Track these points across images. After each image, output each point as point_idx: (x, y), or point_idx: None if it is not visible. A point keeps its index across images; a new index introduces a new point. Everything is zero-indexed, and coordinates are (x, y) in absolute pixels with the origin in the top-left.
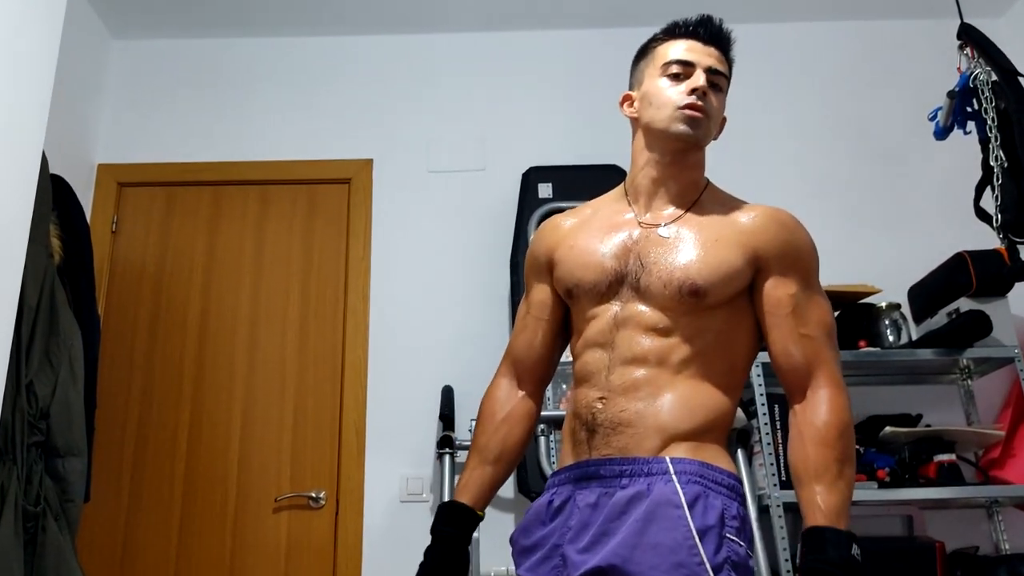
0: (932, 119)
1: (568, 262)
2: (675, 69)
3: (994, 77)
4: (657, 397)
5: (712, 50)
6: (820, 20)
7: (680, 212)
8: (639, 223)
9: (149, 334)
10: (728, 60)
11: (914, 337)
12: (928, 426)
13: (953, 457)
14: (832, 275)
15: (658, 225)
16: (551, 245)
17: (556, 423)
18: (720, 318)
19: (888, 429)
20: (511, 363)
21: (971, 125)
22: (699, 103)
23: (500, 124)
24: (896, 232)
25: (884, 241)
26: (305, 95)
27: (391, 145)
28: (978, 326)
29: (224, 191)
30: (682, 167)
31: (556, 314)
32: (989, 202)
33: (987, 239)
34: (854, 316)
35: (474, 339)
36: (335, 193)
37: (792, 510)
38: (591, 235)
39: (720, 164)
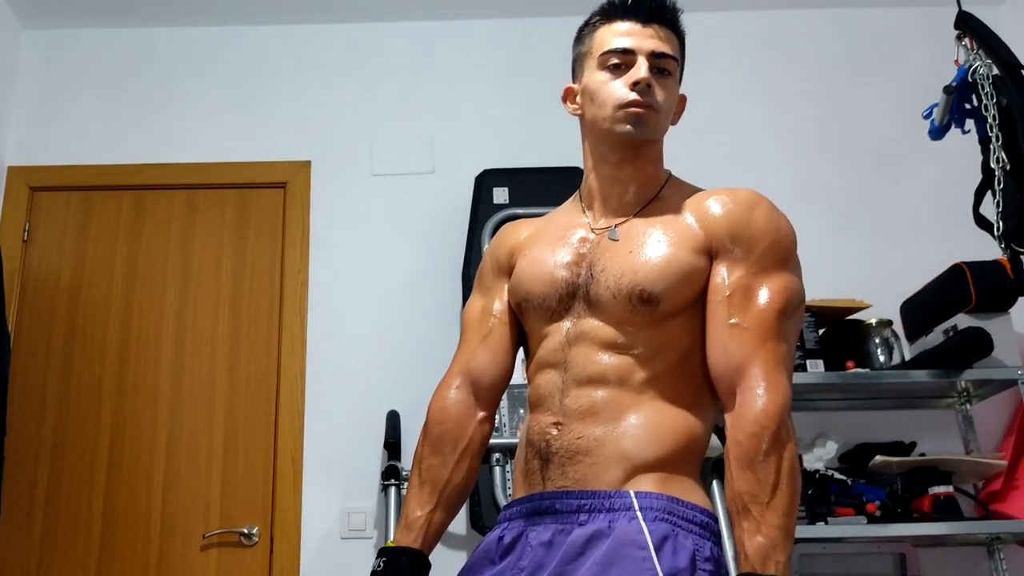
0: (927, 117)
1: (520, 272)
2: (614, 60)
3: (995, 71)
4: (618, 421)
5: (655, 29)
6: (802, 7)
7: (634, 210)
8: (592, 229)
9: (64, 354)
10: (678, 35)
11: (907, 357)
12: (923, 455)
13: (950, 489)
14: (817, 289)
15: (610, 228)
16: (513, 247)
17: (513, 451)
18: (684, 329)
19: (878, 458)
20: (467, 375)
21: (970, 123)
22: (642, 99)
23: (451, 122)
24: (887, 241)
25: (874, 251)
26: (237, 91)
27: (331, 146)
28: (978, 345)
29: (147, 196)
30: (635, 166)
31: (516, 323)
32: (990, 208)
33: (988, 249)
34: (841, 334)
35: (422, 359)
36: (269, 198)
37: None
38: (544, 245)
39: (691, 166)
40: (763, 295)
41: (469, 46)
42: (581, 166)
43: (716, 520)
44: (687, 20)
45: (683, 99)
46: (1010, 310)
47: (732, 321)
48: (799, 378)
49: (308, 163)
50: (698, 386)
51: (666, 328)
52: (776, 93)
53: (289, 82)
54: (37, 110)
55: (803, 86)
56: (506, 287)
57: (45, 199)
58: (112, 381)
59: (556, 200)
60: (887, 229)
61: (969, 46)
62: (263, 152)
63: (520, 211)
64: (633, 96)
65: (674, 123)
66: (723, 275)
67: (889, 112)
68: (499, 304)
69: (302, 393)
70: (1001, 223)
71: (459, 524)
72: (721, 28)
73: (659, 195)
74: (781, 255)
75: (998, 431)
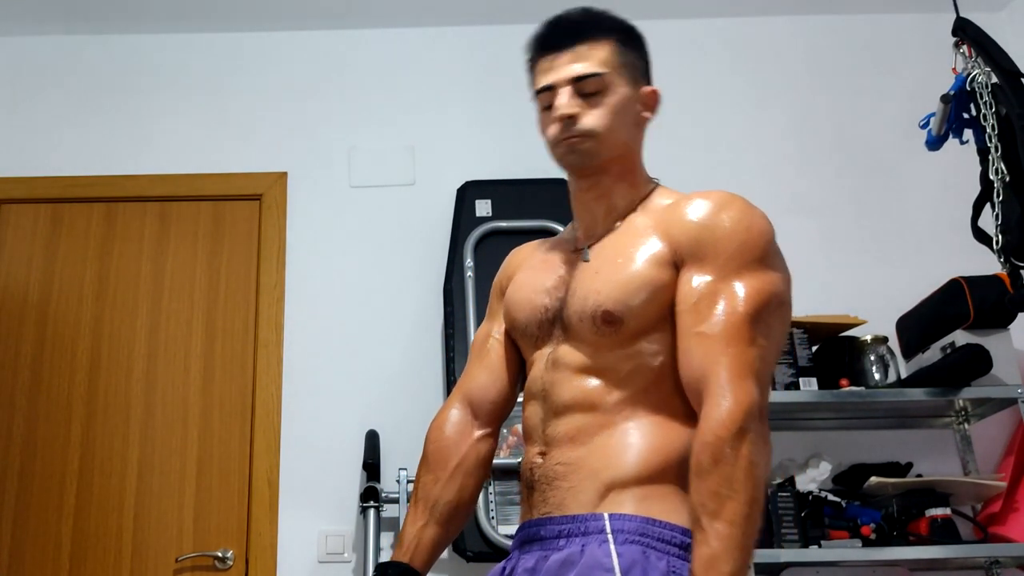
0: (924, 127)
1: (508, 299)
2: (543, 101)
3: (994, 79)
4: (594, 444)
5: (570, 53)
6: (795, 14)
7: (607, 230)
8: (574, 251)
9: (32, 372)
10: (604, 44)
11: (903, 375)
12: (919, 476)
13: (948, 511)
14: (810, 304)
15: (585, 249)
16: (512, 272)
17: (500, 472)
18: (658, 346)
19: (874, 479)
20: (466, 396)
21: (968, 133)
22: (569, 133)
23: (432, 133)
24: (883, 255)
25: (869, 266)
26: (211, 100)
27: (308, 156)
28: (976, 362)
29: (118, 209)
30: (600, 187)
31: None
32: (989, 221)
33: (986, 263)
34: (835, 351)
35: (402, 378)
36: (244, 211)
37: (765, 571)
38: (532, 270)
39: (681, 177)
40: (730, 299)
41: (450, 54)
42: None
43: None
44: (677, 27)
45: (651, 93)
46: (1010, 326)
47: (697, 330)
48: (792, 396)
49: (284, 174)
50: (678, 402)
51: (638, 347)
52: (769, 102)
53: (265, 91)
54: (3, 119)
55: (797, 95)
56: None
57: (12, 212)
58: (82, 400)
59: (540, 213)
60: (883, 243)
61: (967, 54)
62: (238, 163)
63: (503, 224)
64: (560, 132)
65: (648, 118)
66: (690, 283)
67: (885, 122)
68: (499, 327)
69: (278, 412)
70: (1000, 236)
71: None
72: (712, 35)
73: (635, 211)
74: (753, 255)
75: (997, 451)
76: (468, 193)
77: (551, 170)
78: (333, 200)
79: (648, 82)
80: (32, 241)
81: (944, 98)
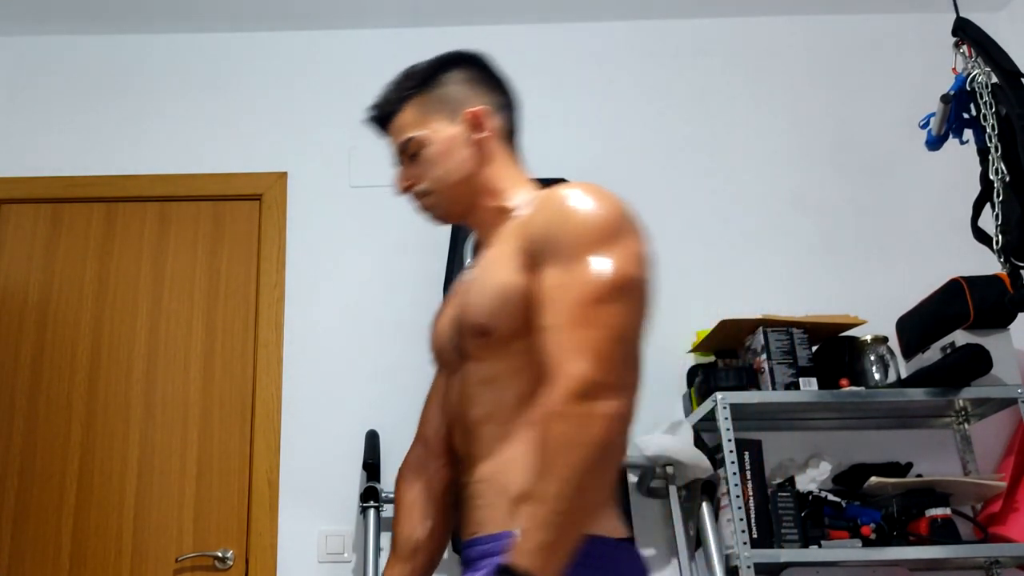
0: (924, 127)
1: (430, 331)
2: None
3: (994, 79)
4: (498, 459)
5: (392, 125)
6: (794, 14)
7: (487, 247)
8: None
9: (32, 372)
10: (403, 109)
11: (903, 375)
12: (919, 476)
13: (948, 511)
14: (810, 304)
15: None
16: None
17: None
18: (534, 347)
19: (873, 479)
20: (421, 436)
21: (968, 133)
22: (415, 200)
23: None
24: (883, 256)
25: (869, 266)
26: (211, 100)
27: (308, 156)
28: (976, 362)
29: (118, 209)
30: (471, 221)
31: None
32: (989, 221)
33: (986, 263)
34: (835, 351)
35: (403, 377)
36: (244, 211)
37: (765, 571)
38: (448, 299)
39: (681, 176)
40: (572, 287)
41: None
42: (567, 177)
43: (614, 544)
44: (676, 27)
45: (474, 115)
46: (1010, 326)
47: (544, 323)
48: (792, 396)
49: (284, 175)
50: None
51: (515, 354)
52: (768, 102)
53: (265, 91)
54: (3, 120)
55: (796, 95)
56: None
57: (12, 212)
58: (82, 400)
59: None
60: (882, 243)
61: (967, 54)
62: (238, 163)
63: None
64: (406, 196)
65: (483, 136)
66: (542, 281)
67: (885, 122)
68: None
69: (278, 412)
70: (1000, 236)
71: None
72: (711, 35)
73: (502, 226)
74: (593, 237)
75: (997, 451)
76: None
77: (551, 170)
78: (333, 200)
79: (469, 104)
80: (32, 241)
81: (944, 98)
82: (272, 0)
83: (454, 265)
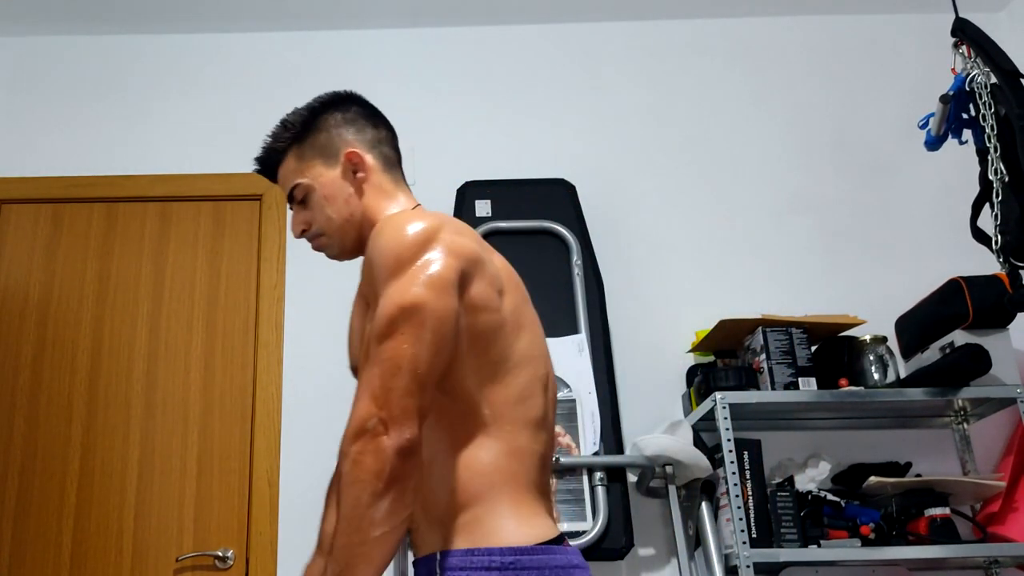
0: (923, 127)
1: None
2: None
3: (993, 79)
4: (420, 485)
5: (278, 177)
6: (794, 14)
7: None
8: None
9: (33, 372)
10: (284, 159)
11: (902, 375)
12: (918, 476)
13: (947, 511)
14: (809, 304)
15: None
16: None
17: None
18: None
19: (873, 479)
20: None
21: (967, 134)
22: (310, 242)
23: (431, 132)
24: (882, 255)
25: (868, 266)
26: (211, 100)
27: None
28: (975, 362)
29: (119, 209)
30: (357, 253)
31: None
32: (988, 221)
33: (985, 263)
34: (834, 351)
35: None
36: (245, 211)
37: (764, 571)
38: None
39: (681, 178)
40: (370, 328)
41: (450, 54)
42: (566, 178)
43: (532, 552)
44: (676, 27)
45: (351, 155)
46: (1009, 326)
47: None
48: (791, 396)
49: None
50: (468, 422)
51: None
52: (768, 102)
53: (265, 91)
54: (3, 120)
55: (795, 95)
56: None
57: (12, 212)
58: (82, 400)
59: (540, 213)
60: (882, 243)
61: (966, 54)
62: (238, 163)
63: (503, 224)
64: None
65: (364, 176)
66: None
67: (884, 122)
68: None
69: (279, 412)
70: (999, 236)
71: None
72: (711, 35)
73: None
74: (383, 275)
75: (996, 451)
76: (468, 193)
77: (551, 170)
78: None
79: (346, 146)
80: (32, 241)
81: (943, 98)
82: (272, 0)
83: None
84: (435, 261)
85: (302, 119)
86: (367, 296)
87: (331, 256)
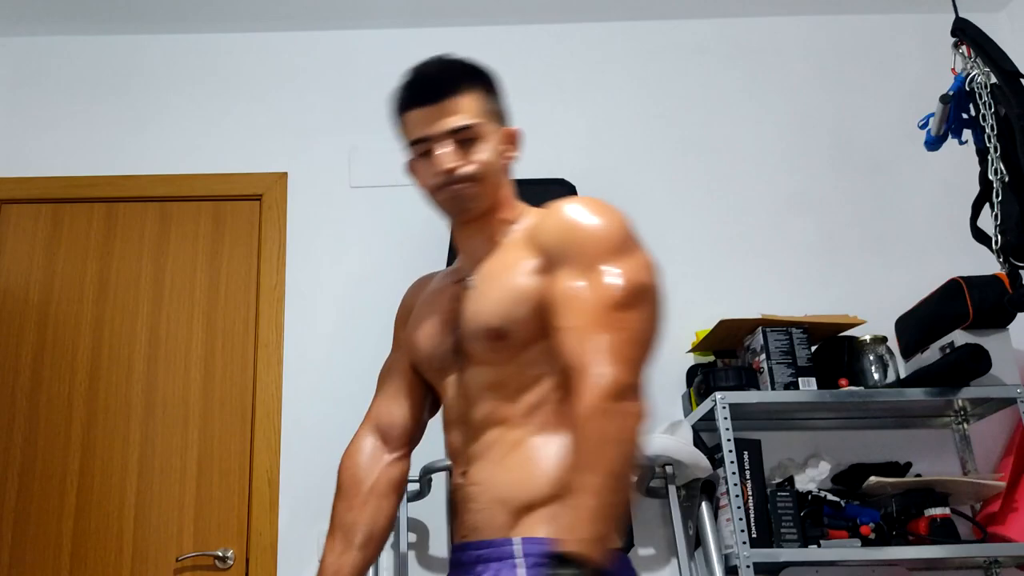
0: (923, 127)
1: (409, 335)
2: (419, 150)
3: (993, 79)
4: (502, 462)
5: (441, 107)
6: (793, 14)
7: (486, 257)
8: (458, 283)
9: (33, 372)
10: (469, 93)
11: (902, 375)
12: (918, 476)
13: (947, 511)
14: (809, 304)
15: (469, 280)
16: (412, 305)
17: None
18: (548, 354)
19: (873, 479)
20: (376, 427)
21: (967, 134)
22: (449, 181)
23: None
24: (882, 255)
25: (868, 266)
26: (211, 100)
27: (308, 157)
28: (975, 362)
29: (118, 209)
30: (478, 222)
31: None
32: (988, 221)
33: (985, 263)
34: (834, 351)
35: None
36: (245, 211)
37: (764, 571)
38: (425, 305)
39: (679, 177)
40: (591, 291)
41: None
42: (567, 178)
43: (618, 551)
44: (676, 27)
45: (513, 134)
46: (1009, 326)
47: (564, 325)
48: (791, 396)
49: (284, 175)
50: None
51: (530, 358)
52: (768, 102)
53: (265, 91)
54: (4, 120)
55: (795, 95)
56: None
57: (12, 212)
58: (82, 400)
59: None
60: (882, 243)
61: (966, 54)
62: (238, 163)
63: None
64: (439, 181)
65: (511, 158)
66: (557, 285)
67: (884, 122)
68: (402, 355)
69: (279, 412)
70: (999, 236)
71: (440, 547)
72: (711, 35)
73: (507, 236)
74: (608, 247)
75: (996, 451)
76: None
77: (551, 170)
78: (333, 200)
79: (508, 122)
80: (32, 241)
81: (943, 98)
82: (272, 0)
83: (453, 264)
84: (647, 252)
85: (487, 74)
86: (550, 260)
87: (459, 205)
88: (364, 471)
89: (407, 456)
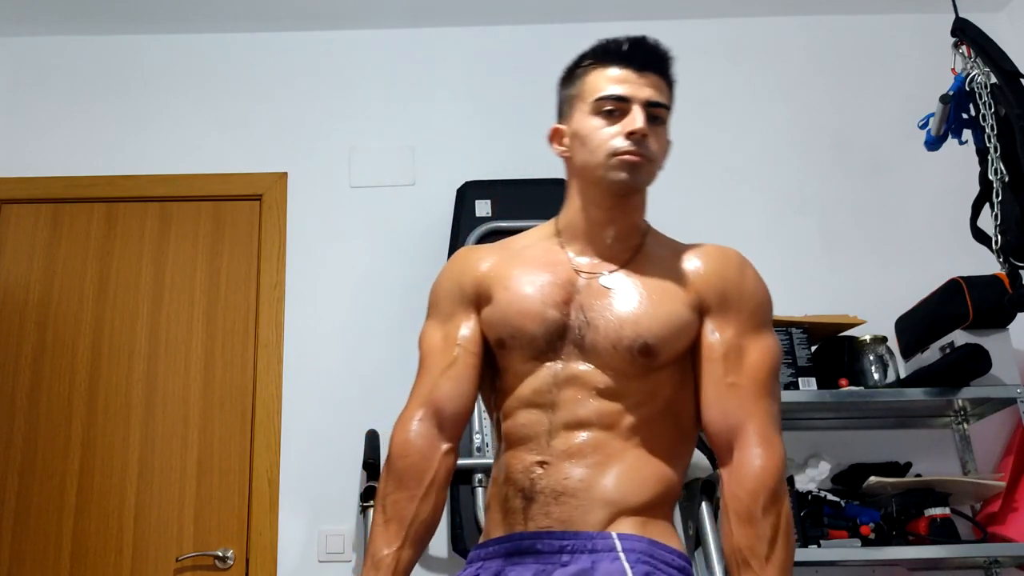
0: (923, 127)
1: (504, 306)
2: (608, 106)
3: (993, 79)
4: (605, 466)
5: (649, 78)
6: (793, 14)
7: (623, 259)
8: (576, 269)
9: (33, 372)
10: (669, 84)
11: (902, 375)
12: (918, 476)
13: (947, 511)
14: (809, 305)
15: (600, 274)
16: (481, 278)
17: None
18: (669, 380)
19: (873, 479)
20: (432, 406)
21: (967, 134)
22: (637, 149)
23: (432, 133)
24: (882, 255)
25: (868, 266)
26: (211, 100)
27: (308, 157)
28: (975, 362)
29: (119, 209)
30: (622, 211)
31: (482, 352)
32: (988, 221)
33: (985, 263)
34: (834, 351)
35: (402, 377)
36: (245, 211)
37: None
38: (525, 278)
39: (680, 178)
40: (754, 355)
41: (450, 55)
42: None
43: (690, 563)
44: (676, 27)
45: (669, 143)
46: (1009, 326)
47: (729, 380)
48: (791, 396)
49: (284, 175)
50: (678, 434)
51: (655, 378)
52: (767, 102)
53: (265, 91)
54: (4, 120)
55: (795, 95)
56: (474, 317)
57: (12, 212)
58: (82, 400)
59: (540, 213)
60: (882, 243)
61: (966, 54)
62: (238, 163)
63: (503, 224)
64: (628, 145)
65: (661, 168)
66: (716, 334)
67: (884, 122)
68: (465, 332)
69: (278, 412)
70: (999, 236)
71: (440, 547)
72: (711, 35)
73: (643, 245)
74: (765, 317)
75: (996, 451)
76: (468, 193)
77: (551, 170)
78: (333, 200)
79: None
80: (32, 241)
81: (943, 98)
82: (272, 0)
83: None
84: None
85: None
86: (710, 302)
87: (629, 178)
88: (425, 460)
89: (457, 446)
